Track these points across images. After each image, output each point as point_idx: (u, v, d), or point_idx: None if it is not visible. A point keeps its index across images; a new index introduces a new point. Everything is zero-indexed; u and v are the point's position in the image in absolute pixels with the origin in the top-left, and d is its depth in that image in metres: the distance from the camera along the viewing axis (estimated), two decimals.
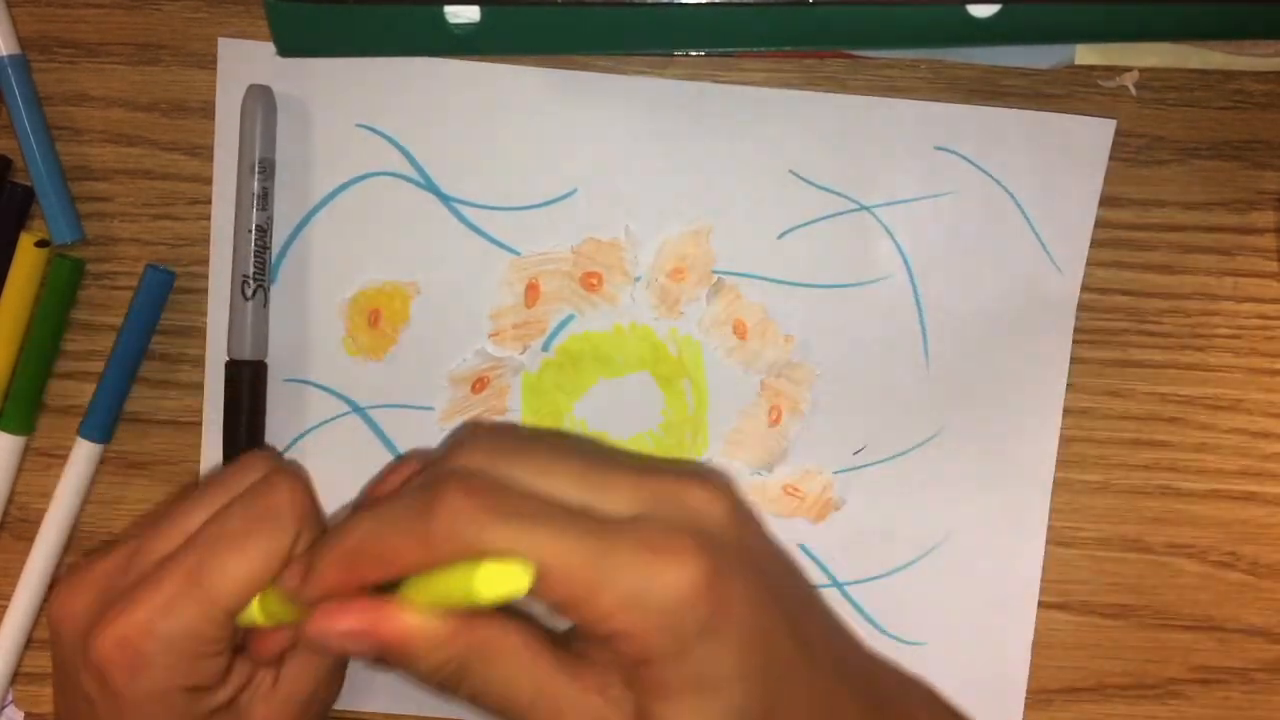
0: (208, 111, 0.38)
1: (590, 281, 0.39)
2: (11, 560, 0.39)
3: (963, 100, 0.39)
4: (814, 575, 0.40)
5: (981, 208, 0.39)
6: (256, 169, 0.37)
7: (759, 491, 0.40)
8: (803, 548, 0.40)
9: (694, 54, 0.38)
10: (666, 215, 0.39)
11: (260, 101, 0.37)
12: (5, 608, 0.39)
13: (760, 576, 0.29)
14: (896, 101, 0.38)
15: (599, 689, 0.28)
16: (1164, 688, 0.40)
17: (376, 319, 0.39)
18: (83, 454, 0.38)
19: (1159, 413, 0.40)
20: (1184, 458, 0.40)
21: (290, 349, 0.39)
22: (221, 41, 0.38)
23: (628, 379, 0.39)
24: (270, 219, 0.38)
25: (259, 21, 0.38)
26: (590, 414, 0.39)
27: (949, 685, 0.40)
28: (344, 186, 0.38)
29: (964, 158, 0.39)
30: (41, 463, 0.39)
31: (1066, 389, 0.39)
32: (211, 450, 0.39)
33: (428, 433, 0.39)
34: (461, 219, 0.39)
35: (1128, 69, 0.39)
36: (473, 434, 0.30)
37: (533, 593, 0.27)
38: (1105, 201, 0.39)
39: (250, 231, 0.37)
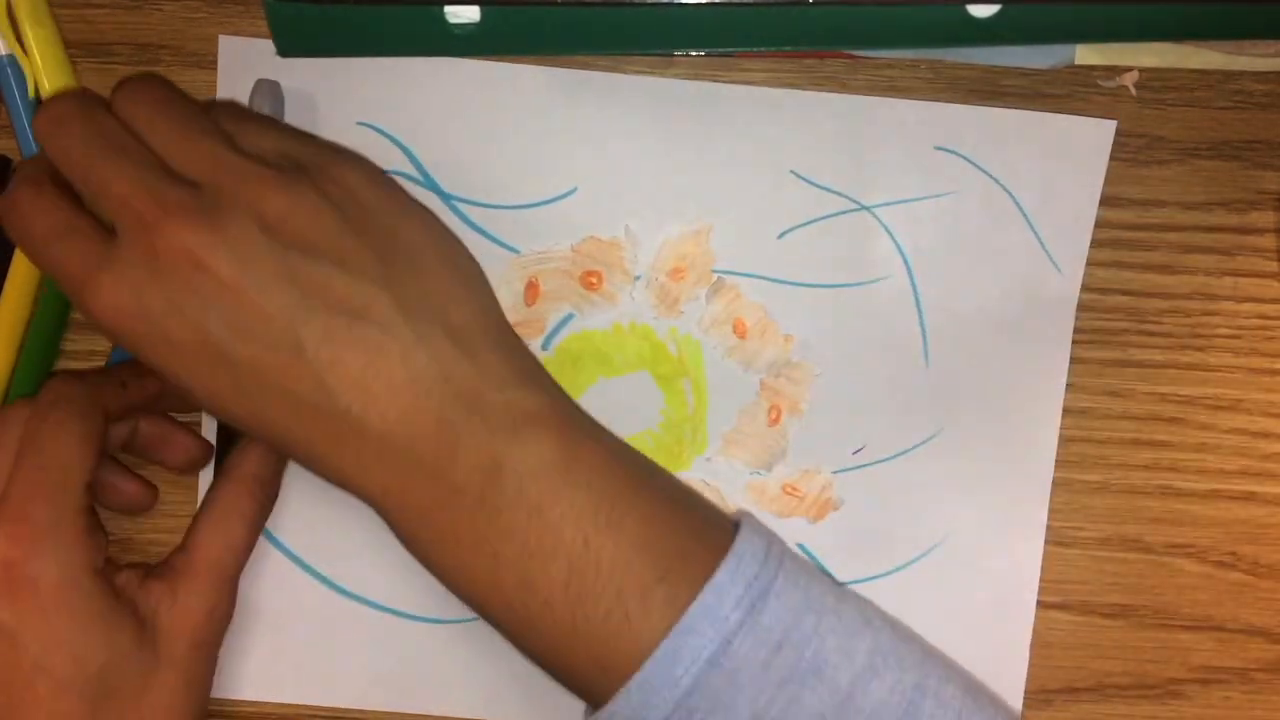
0: None
1: (590, 280, 0.39)
2: None
3: (963, 100, 0.39)
4: None
5: (981, 208, 0.39)
6: None
7: (758, 491, 0.40)
8: (802, 547, 0.40)
9: (694, 54, 0.38)
10: (666, 214, 0.39)
11: (268, 96, 0.37)
12: None
13: None
14: (896, 101, 0.39)
15: None
16: (1164, 688, 0.40)
17: None
18: None
19: (1159, 413, 0.40)
20: (1184, 458, 0.40)
21: None
22: (222, 40, 0.38)
23: (627, 378, 0.39)
24: None
25: (259, 21, 0.38)
26: (590, 413, 0.39)
27: None
28: None
29: (964, 158, 0.39)
30: None
31: (1066, 389, 0.39)
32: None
33: None
34: (462, 217, 0.39)
35: (1128, 69, 0.39)
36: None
37: None
38: (1105, 201, 0.39)
39: None
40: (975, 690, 0.34)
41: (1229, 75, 0.39)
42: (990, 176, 0.39)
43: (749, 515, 0.34)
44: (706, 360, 0.39)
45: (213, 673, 0.35)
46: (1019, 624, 0.40)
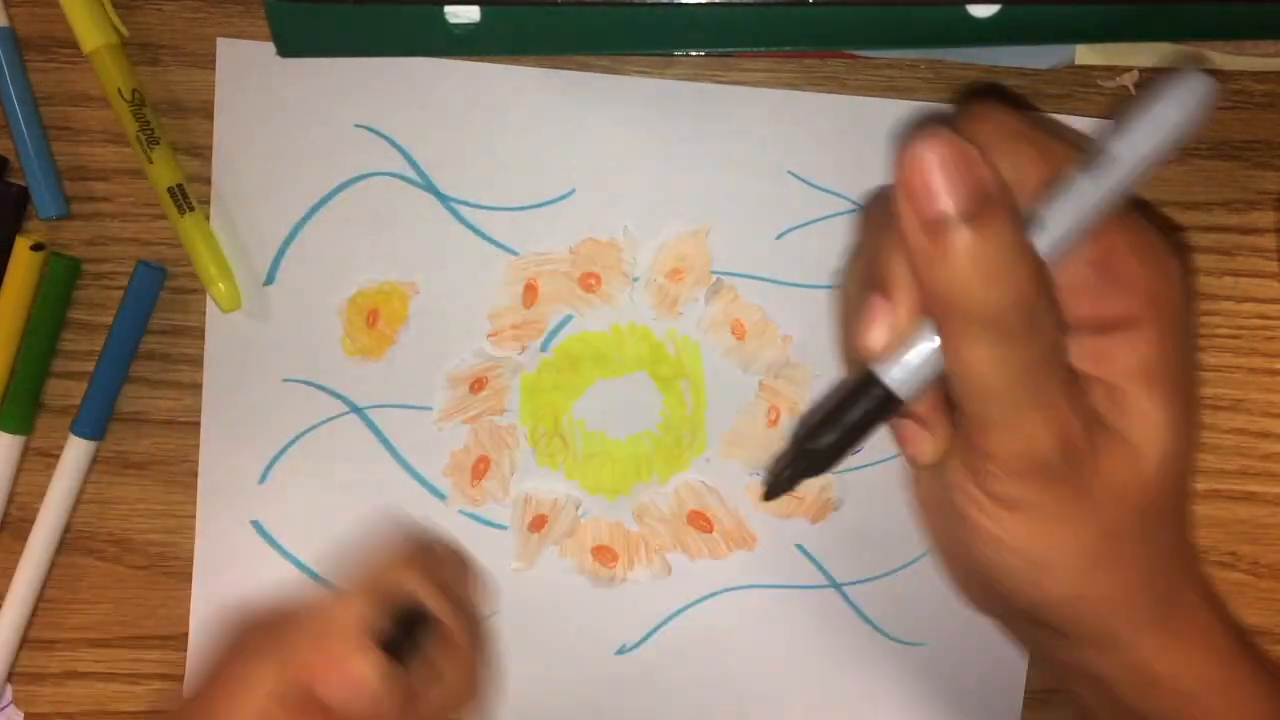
0: (207, 111, 0.38)
1: (589, 282, 0.39)
2: (12, 561, 0.39)
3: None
4: (812, 576, 0.40)
5: None
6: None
7: (757, 492, 0.40)
8: (801, 548, 0.40)
9: (694, 54, 0.38)
10: (665, 215, 0.39)
11: None
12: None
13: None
14: (897, 102, 0.38)
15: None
16: None
17: (375, 319, 0.39)
18: (75, 451, 0.38)
19: None
20: None
21: (289, 349, 0.39)
22: (220, 41, 0.38)
23: (626, 379, 0.39)
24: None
25: (259, 21, 0.38)
26: (588, 414, 0.39)
27: (949, 685, 0.40)
28: (343, 186, 0.38)
29: None
30: (41, 463, 0.39)
31: None
32: (208, 450, 0.39)
33: (426, 433, 0.39)
34: (460, 219, 0.39)
35: (1128, 69, 0.39)
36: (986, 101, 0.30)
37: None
38: None
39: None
40: None
41: (1229, 75, 0.39)
42: None
43: None
44: (705, 361, 0.39)
45: None
46: None
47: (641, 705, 0.40)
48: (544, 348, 0.39)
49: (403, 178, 0.38)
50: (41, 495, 0.39)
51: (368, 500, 0.39)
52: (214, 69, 0.38)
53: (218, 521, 0.39)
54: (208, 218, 0.38)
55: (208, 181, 0.38)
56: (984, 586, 0.31)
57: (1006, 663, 0.40)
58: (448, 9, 0.36)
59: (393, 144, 0.38)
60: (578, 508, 0.40)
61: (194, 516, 0.39)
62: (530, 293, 0.39)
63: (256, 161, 0.38)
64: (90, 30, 0.37)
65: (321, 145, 0.38)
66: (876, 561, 0.40)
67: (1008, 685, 0.40)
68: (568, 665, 0.40)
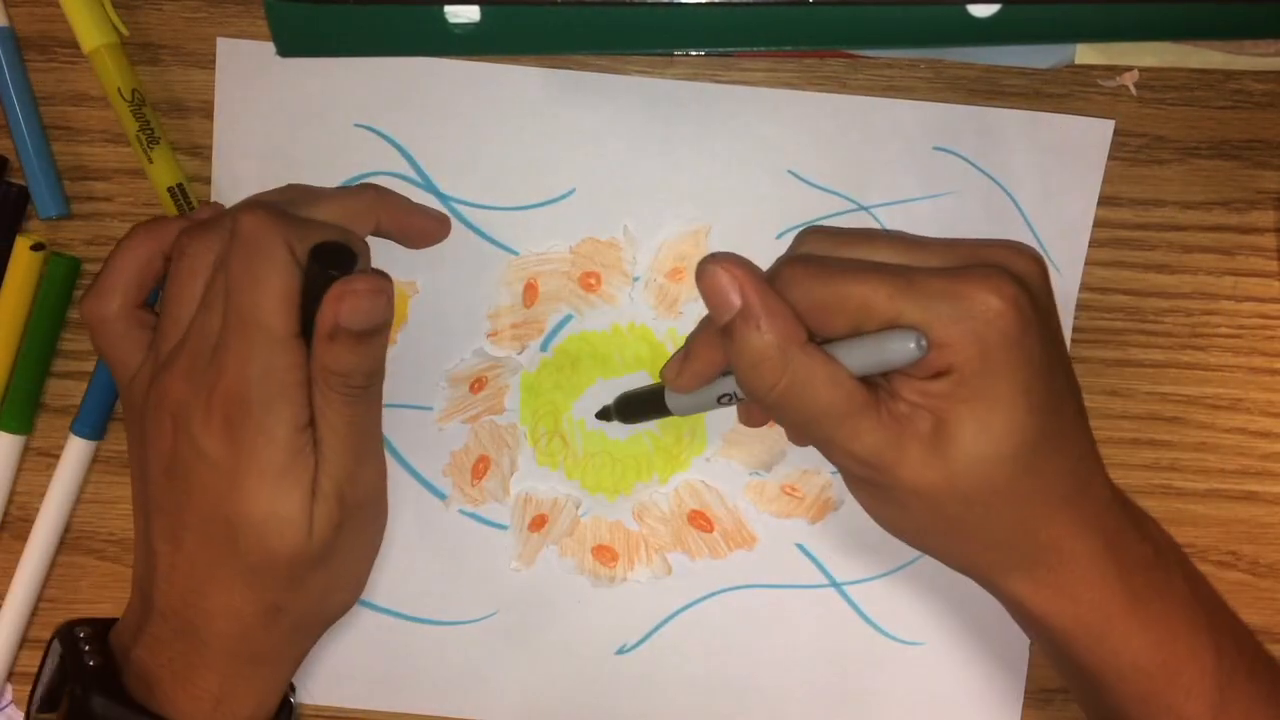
0: (207, 111, 0.38)
1: (589, 281, 0.39)
2: (12, 561, 0.39)
3: (963, 100, 0.39)
4: (812, 576, 0.40)
5: (981, 208, 0.39)
6: None
7: (757, 492, 0.40)
8: (801, 548, 0.40)
9: (694, 54, 0.38)
10: (665, 215, 0.39)
11: None
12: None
13: (1054, 333, 0.33)
14: (896, 102, 0.38)
15: (894, 418, 0.31)
16: None
17: None
18: (75, 451, 0.38)
19: (1159, 413, 0.40)
20: (1184, 458, 0.40)
21: None
22: (220, 41, 0.38)
23: (627, 379, 0.39)
24: None
25: (259, 21, 0.38)
26: (589, 414, 0.39)
27: (949, 685, 0.40)
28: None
29: (963, 158, 0.39)
30: (41, 462, 0.39)
31: None
32: None
33: (426, 433, 0.39)
34: (460, 219, 0.39)
35: (1128, 69, 0.39)
36: (808, 232, 0.35)
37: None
38: (1105, 201, 0.39)
39: None
40: None
41: (1229, 75, 0.39)
42: (989, 176, 0.39)
43: None
44: None
45: None
46: None
47: (641, 705, 0.40)
48: (544, 347, 0.39)
49: (403, 177, 0.38)
50: (41, 495, 0.39)
51: None
52: (214, 69, 0.38)
53: None
54: None
55: (208, 181, 0.38)
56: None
57: (1006, 663, 0.40)
58: (448, 9, 0.36)
59: (393, 144, 0.38)
60: (578, 507, 0.40)
61: None
62: (530, 292, 0.39)
63: (256, 161, 0.38)
64: (90, 30, 0.37)
65: (321, 145, 0.38)
66: (876, 561, 0.40)
67: (1007, 684, 0.40)
68: (568, 665, 0.40)
